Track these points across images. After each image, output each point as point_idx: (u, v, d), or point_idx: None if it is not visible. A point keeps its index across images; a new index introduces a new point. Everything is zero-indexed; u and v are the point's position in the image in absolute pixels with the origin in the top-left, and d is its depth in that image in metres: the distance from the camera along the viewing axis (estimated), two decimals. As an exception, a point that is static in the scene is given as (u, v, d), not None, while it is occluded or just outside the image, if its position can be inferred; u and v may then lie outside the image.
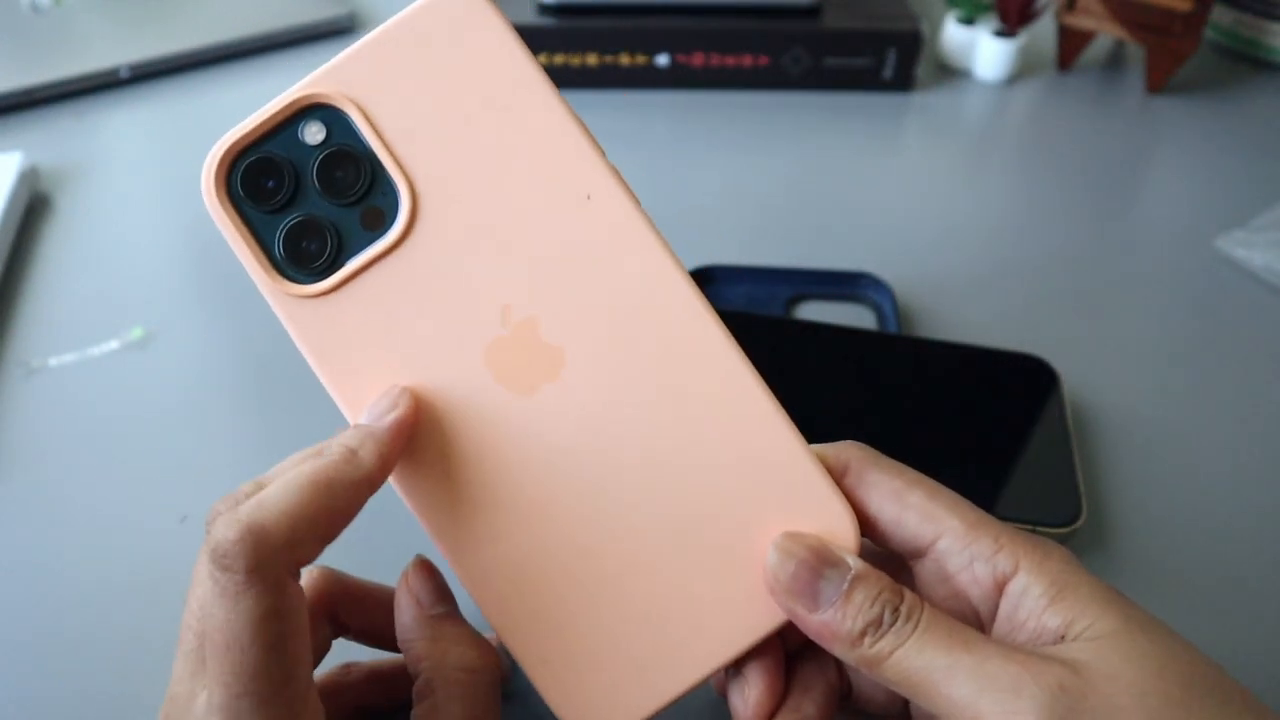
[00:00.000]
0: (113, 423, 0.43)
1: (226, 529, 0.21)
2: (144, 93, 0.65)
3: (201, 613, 0.24)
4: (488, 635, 0.32)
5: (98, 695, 0.33)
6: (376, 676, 0.30)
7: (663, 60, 0.65)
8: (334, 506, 0.23)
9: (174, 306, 0.48)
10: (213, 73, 0.68)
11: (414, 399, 0.25)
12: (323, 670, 0.29)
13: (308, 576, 0.29)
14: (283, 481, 0.23)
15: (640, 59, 0.65)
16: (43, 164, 0.57)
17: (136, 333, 0.47)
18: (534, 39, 0.64)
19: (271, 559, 0.22)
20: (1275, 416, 0.44)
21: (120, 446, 0.42)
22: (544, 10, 0.64)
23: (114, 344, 0.46)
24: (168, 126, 0.63)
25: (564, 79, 0.65)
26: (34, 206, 0.55)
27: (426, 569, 0.27)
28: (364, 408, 0.26)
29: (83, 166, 0.58)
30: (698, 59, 0.65)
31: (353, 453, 0.24)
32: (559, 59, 0.65)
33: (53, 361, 0.45)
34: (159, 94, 0.65)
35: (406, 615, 0.26)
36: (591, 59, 0.65)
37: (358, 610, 0.29)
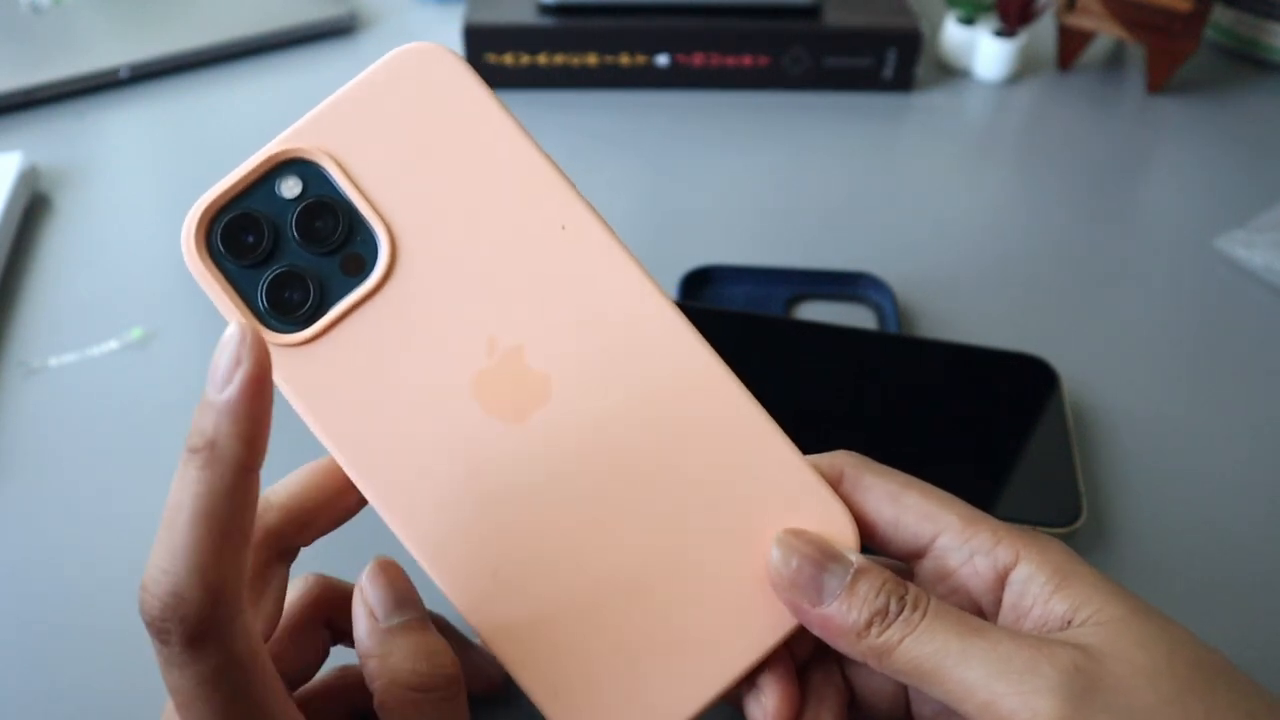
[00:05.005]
0: (113, 423, 0.43)
1: (149, 607, 0.20)
2: (144, 93, 0.65)
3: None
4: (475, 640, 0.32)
5: (98, 694, 0.33)
6: None
7: (663, 60, 0.65)
8: (227, 527, 0.21)
9: (174, 306, 0.48)
10: (213, 73, 0.68)
11: (257, 337, 0.21)
12: (319, 674, 0.29)
13: (303, 584, 0.29)
14: (167, 529, 0.21)
15: (640, 59, 0.65)
16: (43, 164, 0.57)
17: (136, 333, 0.47)
18: (534, 39, 0.64)
19: (200, 622, 0.20)
20: (1275, 416, 0.44)
21: (120, 446, 0.42)
22: (544, 10, 0.64)
23: (114, 344, 0.46)
24: (168, 126, 0.63)
25: (564, 79, 0.65)
26: (34, 206, 0.55)
27: (384, 574, 0.25)
28: (350, 453, 0.25)
29: (83, 166, 0.58)
30: (698, 59, 0.65)
31: (210, 447, 0.21)
32: (559, 59, 0.65)
33: (53, 361, 0.45)
34: (159, 94, 0.65)
35: (360, 628, 0.25)
36: (591, 59, 0.65)
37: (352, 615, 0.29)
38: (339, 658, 0.30)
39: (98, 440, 0.42)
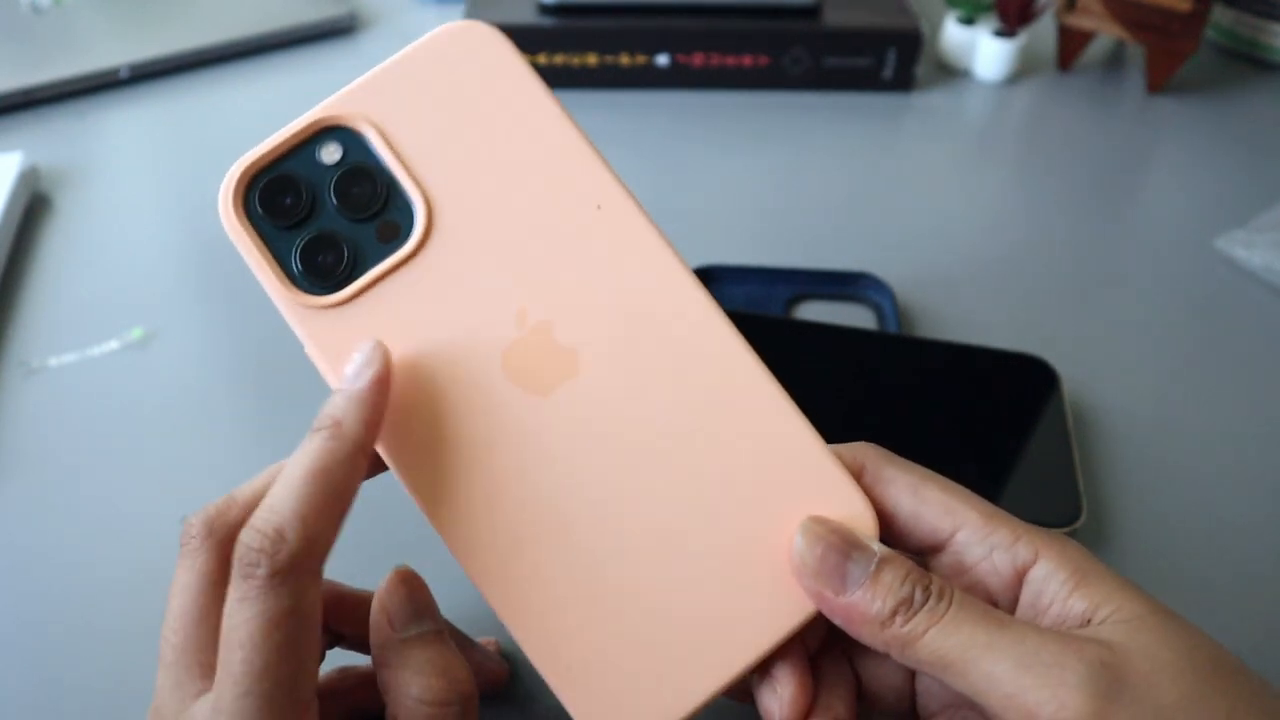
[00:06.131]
0: (113, 423, 0.43)
1: (248, 539, 0.22)
2: (144, 93, 0.65)
3: (179, 622, 0.25)
4: (483, 640, 0.32)
5: (97, 694, 0.33)
6: (371, 680, 0.30)
7: (663, 60, 0.65)
8: (336, 490, 0.23)
9: (174, 306, 0.48)
10: (213, 73, 0.68)
11: (386, 350, 0.25)
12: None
13: None
14: (284, 481, 0.23)
15: (640, 59, 0.65)
16: (43, 164, 0.57)
17: (136, 333, 0.47)
18: (534, 39, 0.64)
19: (291, 562, 0.22)
20: (1275, 416, 0.44)
21: (120, 446, 0.42)
22: (544, 10, 0.64)
23: (114, 344, 0.46)
24: (168, 126, 0.63)
25: (564, 79, 0.65)
26: (34, 206, 0.55)
27: (404, 583, 0.26)
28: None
29: (83, 166, 0.58)
30: (698, 59, 0.65)
31: (337, 424, 0.24)
32: (559, 59, 0.65)
33: (53, 361, 0.45)
34: (159, 94, 0.65)
35: (376, 636, 0.26)
36: (591, 59, 0.65)
37: (351, 619, 0.29)
38: (338, 659, 0.30)
39: (98, 440, 0.42)
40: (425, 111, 0.27)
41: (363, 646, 0.30)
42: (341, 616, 0.29)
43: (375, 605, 0.26)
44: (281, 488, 0.23)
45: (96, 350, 0.46)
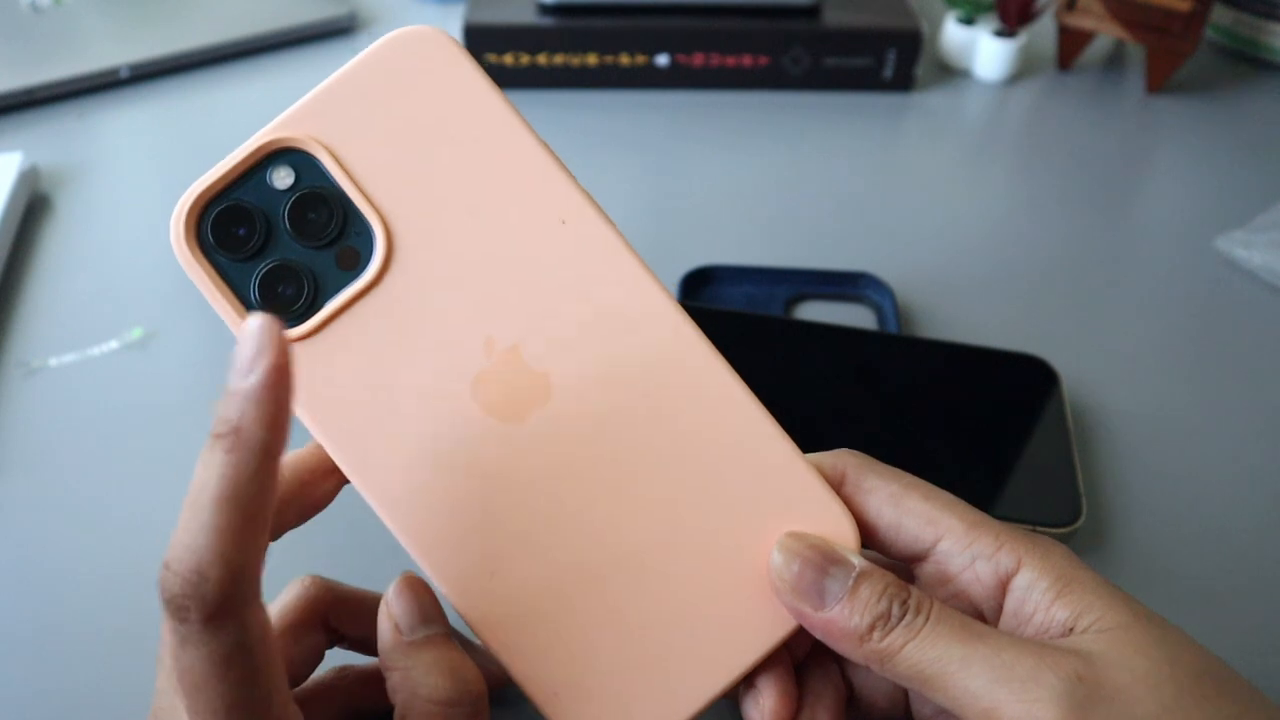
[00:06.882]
0: (113, 423, 0.43)
1: (170, 584, 0.21)
2: (144, 93, 0.65)
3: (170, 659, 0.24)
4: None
5: (97, 694, 0.33)
6: (370, 680, 0.30)
7: (663, 60, 0.65)
8: (249, 511, 0.21)
9: (174, 306, 0.48)
10: (213, 73, 0.68)
11: (277, 327, 0.21)
12: (317, 672, 0.29)
13: (300, 585, 0.28)
14: (192, 509, 0.21)
15: (640, 59, 0.65)
16: (43, 164, 0.57)
17: (136, 333, 0.47)
18: (534, 39, 0.64)
19: (221, 601, 0.20)
20: (1275, 416, 0.44)
21: (120, 446, 0.42)
22: (544, 10, 0.64)
23: (114, 344, 0.46)
24: (168, 126, 0.63)
25: (564, 79, 0.65)
26: (34, 206, 0.55)
27: (410, 589, 0.26)
28: (349, 454, 0.25)
29: (83, 166, 0.58)
30: (698, 59, 0.65)
31: (236, 433, 0.21)
32: (559, 59, 0.65)
33: (53, 361, 0.45)
34: (159, 94, 0.65)
35: (384, 641, 0.25)
36: (591, 59, 0.65)
37: (350, 619, 0.29)
38: (338, 658, 0.30)
39: (98, 440, 0.42)
40: (377, 128, 0.25)
41: (363, 647, 0.30)
42: (342, 616, 0.29)
43: (381, 612, 0.25)
44: (190, 518, 0.21)
45: (96, 350, 0.46)
